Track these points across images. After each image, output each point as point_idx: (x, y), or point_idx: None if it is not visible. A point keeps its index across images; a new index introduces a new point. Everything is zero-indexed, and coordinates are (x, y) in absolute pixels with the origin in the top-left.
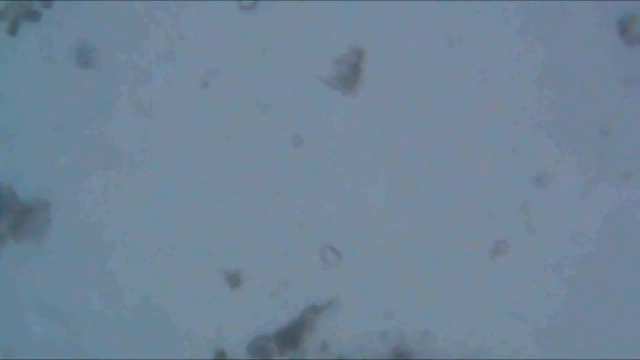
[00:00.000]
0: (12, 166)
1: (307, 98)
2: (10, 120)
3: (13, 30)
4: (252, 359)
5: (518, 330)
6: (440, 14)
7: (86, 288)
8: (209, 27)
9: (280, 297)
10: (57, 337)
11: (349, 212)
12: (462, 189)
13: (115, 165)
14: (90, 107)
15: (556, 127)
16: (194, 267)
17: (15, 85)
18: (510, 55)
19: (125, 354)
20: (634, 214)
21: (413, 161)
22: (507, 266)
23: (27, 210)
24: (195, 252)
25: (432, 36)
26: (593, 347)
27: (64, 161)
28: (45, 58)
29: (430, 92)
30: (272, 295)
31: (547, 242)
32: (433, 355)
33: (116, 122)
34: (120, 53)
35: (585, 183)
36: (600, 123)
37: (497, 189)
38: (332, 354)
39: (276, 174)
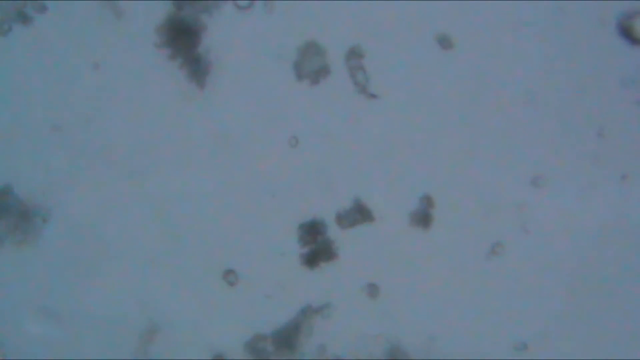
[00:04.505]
0: (11, 169)
1: (305, 100)
2: (9, 122)
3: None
4: (249, 359)
5: (517, 331)
6: (438, 14)
7: (83, 290)
8: None
9: (277, 298)
10: (54, 338)
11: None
12: (460, 190)
13: (113, 167)
14: (90, 109)
15: (553, 128)
16: (191, 268)
17: (13, 87)
18: (509, 56)
19: (122, 355)
20: (630, 215)
21: (412, 161)
22: (504, 268)
23: (25, 213)
24: (193, 253)
25: (430, 37)
26: (592, 348)
27: (62, 164)
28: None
29: (429, 93)
30: (269, 296)
31: (543, 244)
32: (432, 356)
33: (115, 125)
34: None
35: (582, 185)
36: (597, 124)
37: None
38: (328, 355)
39: (273, 175)
